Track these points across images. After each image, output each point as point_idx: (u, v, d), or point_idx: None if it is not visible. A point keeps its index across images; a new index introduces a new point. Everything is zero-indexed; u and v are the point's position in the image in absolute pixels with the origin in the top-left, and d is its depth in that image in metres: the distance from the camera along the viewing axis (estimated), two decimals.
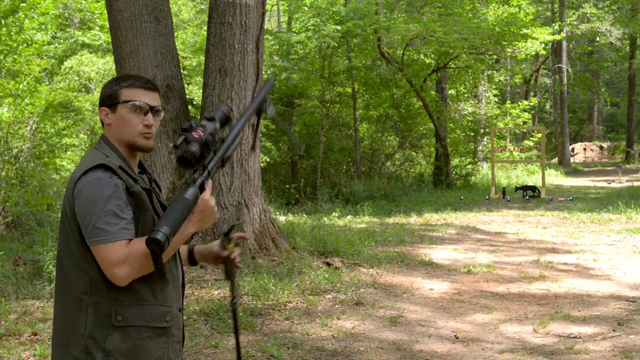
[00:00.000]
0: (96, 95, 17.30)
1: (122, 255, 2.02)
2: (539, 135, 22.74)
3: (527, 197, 16.25)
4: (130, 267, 2.02)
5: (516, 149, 25.56)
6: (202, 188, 2.09)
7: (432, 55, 18.87)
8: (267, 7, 15.87)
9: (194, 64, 16.84)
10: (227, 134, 2.26)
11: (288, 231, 8.60)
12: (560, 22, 28.88)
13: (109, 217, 2.03)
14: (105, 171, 2.08)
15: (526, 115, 25.19)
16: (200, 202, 2.08)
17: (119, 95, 2.20)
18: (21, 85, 10.79)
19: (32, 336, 4.98)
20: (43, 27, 13.14)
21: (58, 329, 2.17)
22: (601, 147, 38.00)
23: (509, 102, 27.76)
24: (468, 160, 21.68)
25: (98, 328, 2.08)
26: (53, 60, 17.15)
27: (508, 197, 16.21)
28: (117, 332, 2.08)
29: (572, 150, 35.89)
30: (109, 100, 2.21)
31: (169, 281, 2.18)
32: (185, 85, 8.96)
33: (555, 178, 24.77)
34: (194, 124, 2.12)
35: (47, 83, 16.37)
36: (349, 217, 12.97)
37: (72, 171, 14.13)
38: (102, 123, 2.26)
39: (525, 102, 25.33)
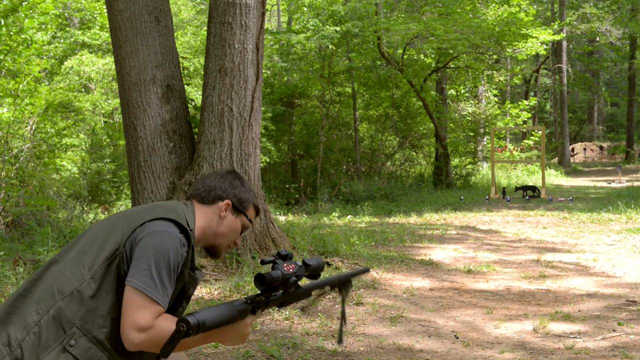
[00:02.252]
0: (96, 95, 17.30)
1: (150, 321, 1.95)
2: (539, 135, 22.74)
3: (527, 197, 16.25)
4: (148, 339, 1.95)
5: (516, 149, 25.56)
6: (253, 312, 2.11)
7: (432, 55, 18.87)
8: (267, 7, 15.87)
9: (192, 68, 16.85)
10: (302, 286, 2.30)
11: (288, 231, 8.60)
12: (559, 22, 28.87)
13: (165, 278, 1.99)
14: (184, 238, 2.08)
15: (526, 115, 25.20)
16: (242, 322, 2.06)
17: (248, 208, 2.30)
18: (21, 85, 10.79)
19: None
20: (43, 27, 13.14)
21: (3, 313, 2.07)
22: (601, 147, 38.00)
23: (508, 102, 27.75)
24: (468, 160, 21.68)
25: (51, 336, 2.00)
26: (53, 60, 17.14)
27: (508, 197, 16.21)
28: (60, 354, 1.99)
29: (572, 150, 35.89)
30: (240, 204, 2.28)
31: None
32: (185, 85, 8.96)
33: (555, 178, 24.76)
34: (290, 256, 2.19)
35: (47, 83, 16.36)
36: (349, 217, 12.96)
37: (72, 171, 14.17)
38: (200, 200, 2.25)
39: (525, 102, 25.34)
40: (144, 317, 1.93)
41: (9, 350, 2.01)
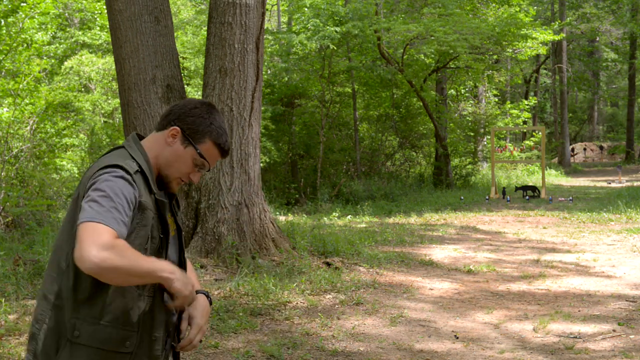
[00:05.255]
0: (96, 95, 17.30)
1: (110, 241, 1.77)
2: (539, 135, 22.74)
3: (527, 197, 16.25)
4: (109, 257, 1.75)
5: (516, 149, 25.56)
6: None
7: (432, 55, 18.86)
8: (267, 7, 15.87)
9: (192, 68, 16.83)
10: None
11: (288, 231, 8.60)
12: (560, 22, 28.88)
13: (110, 208, 1.84)
14: (125, 173, 1.93)
15: (526, 115, 25.19)
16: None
17: (202, 141, 2.07)
18: (21, 85, 10.79)
19: None
20: (43, 27, 13.14)
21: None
22: (601, 147, 37.99)
23: (508, 102, 27.76)
24: (468, 160, 21.68)
25: (55, 334, 1.94)
26: (53, 60, 17.14)
27: (508, 197, 16.21)
28: (69, 349, 1.92)
29: (572, 150, 35.88)
30: (191, 134, 2.06)
31: (150, 305, 2.00)
32: (185, 85, 8.96)
33: (555, 178, 24.76)
34: None
35: (47, 83, 16.36)
36: (349, 217, 12.96)
37: (72, 171, 14.16)
38: (156, 126, 2.10)
39: (525, 102, 25.33)
40: (102, 236, 1.77)
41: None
